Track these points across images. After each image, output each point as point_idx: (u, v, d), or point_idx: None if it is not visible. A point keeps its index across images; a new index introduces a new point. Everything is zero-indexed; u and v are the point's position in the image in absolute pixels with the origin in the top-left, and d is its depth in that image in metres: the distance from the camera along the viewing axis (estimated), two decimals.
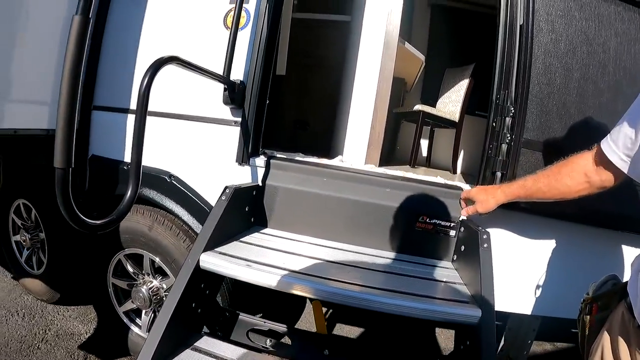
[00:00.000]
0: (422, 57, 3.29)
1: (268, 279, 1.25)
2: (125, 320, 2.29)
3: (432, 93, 4.32)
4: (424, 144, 4.26)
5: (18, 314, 2.69)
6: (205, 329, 1.42)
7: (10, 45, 1.88)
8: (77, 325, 2.63)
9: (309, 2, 3.20)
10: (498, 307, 1.54)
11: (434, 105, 3.95)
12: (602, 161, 1.04)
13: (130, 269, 2.14)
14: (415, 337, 2.88)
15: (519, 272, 1.61)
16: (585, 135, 1.37)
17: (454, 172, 3.77)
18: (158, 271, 2.09)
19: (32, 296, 2.85)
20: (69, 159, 1.02)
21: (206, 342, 1.28)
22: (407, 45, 3.02)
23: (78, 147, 1.68)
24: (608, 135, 1.02)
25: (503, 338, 2.12)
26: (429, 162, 4.25)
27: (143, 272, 2.11)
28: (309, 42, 3.08)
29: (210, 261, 1.31)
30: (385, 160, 2.90)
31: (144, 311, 2.18)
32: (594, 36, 1.50)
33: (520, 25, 1.55)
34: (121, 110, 2.05)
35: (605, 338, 0.96)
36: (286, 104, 3.10)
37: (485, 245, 1.26)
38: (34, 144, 2.29)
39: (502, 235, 1.60)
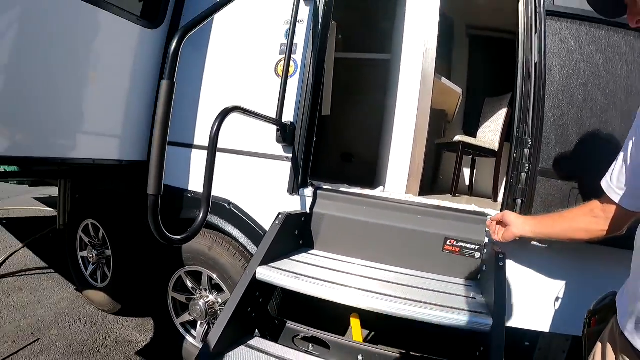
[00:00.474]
0: (459, 90, 3.57)
1: (313, 289, 1.56)
2: (182, 330, 2.64)
3: (473, 123, 4.54)
4: (467, 172, 4.48)
5: (80, 321, 3.12)
6: (257, 333, 1.72)
7: (87, 89, 2.33)
8: (134, 334, 3.02)
9: (352, 43, 3.57)
10: (522, 324, 1.76)
11: (475, 134, 4.17)
12: (604, 197, 1.27)
13: (189, 284, 2.50)
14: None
15: (542, 291, 1.82)
16: (597, 164, 1.60)
17: (495, 199, 3.95)
18: (214, 287, 2.44)
19: (94, 307, 3.29)
20: (159, 187, 1.38)
21: (258, 342, 1.60)
22: (443, 80, 3.32)
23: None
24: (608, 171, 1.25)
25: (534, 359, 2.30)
26: (471, 191, 4.44)
27: (201, 287, 2.46)
28: (354, 79, 3.43)
29: (265, 273, 1.63)
30: (427, 190, 3.14)
31: (199, 323, 2.53)
32: (605, 67, 1.72)
33: (535, 64, 1.81)
34: (185, 145, 2.46)
35: (598, 346, 1.18)
36: (333, 139, 3.43)
37: (501, 264, 1.50)
38: (104, 172, 2.73)
39: (527, 257, 1.83)
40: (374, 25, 3.60)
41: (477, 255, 1.77)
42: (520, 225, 1.57)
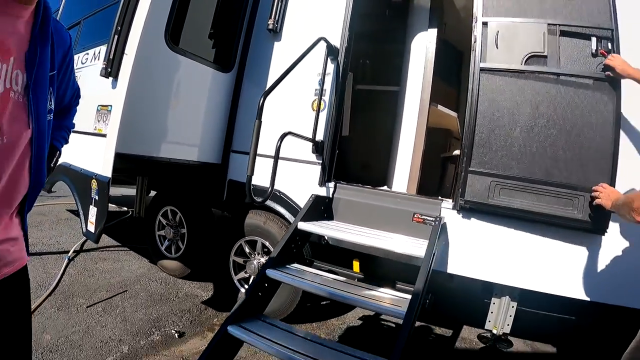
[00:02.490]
0: (454, 114, 5.02)
1: (331, 233, 3.04)
2: (238, 285, 4.13)
3: None
4: None
5: (157, 281, 4.64)
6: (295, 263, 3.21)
7: (185, 113, 3.90)
8: (199, 291, 4.53)
9: (369, 77, 5.09)
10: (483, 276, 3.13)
11: None
12: None
13: (247, 250, 4.00)
14: None
15: (496, 250, 3.13)
16: (506, 166, 2.94)
17: None
18: (265, 252, 3.94)
19: (166, 273, 4.84)
20: (252, 170, 2.87)
21: (296, 266, 3.09)
22: (439, 107, 4.77)
23: (221, 175, 3.71)
24: None
25: (490, 311, 3.67)
26: None
27: (255, 252, 3.96)
28: (372, 106, 4.92)
29: (303, 226, 3.07)
30: (432, 194, 4.26)
31: (252, 278, 4.02)
32: (511, 101, 3.00)
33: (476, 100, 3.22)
34: (247, 153, 3.97)
35: None
36: (354, 152, 4.90)
37: (437, 224, 2.94)
38: (185, 170, 4.26)
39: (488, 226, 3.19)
40: (388, 62, 5.06)
41: (432, 223, 3.20)
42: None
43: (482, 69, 3.08)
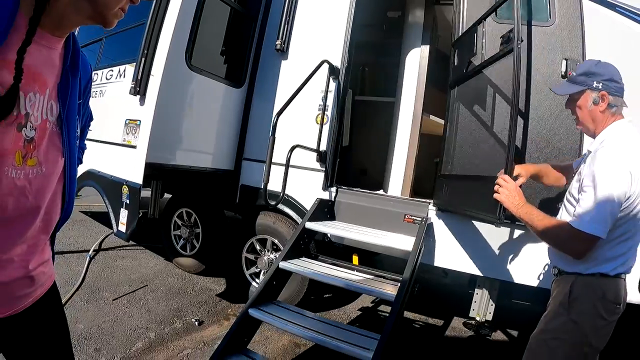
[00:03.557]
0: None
1: (334, 231, 3.68)
2: (249, 279, 4.76)
3: None
4: None
5: (173, 277, 5.25)
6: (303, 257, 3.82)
7: (201, 124, 4.53)
8: (213, 285, 5.14)
9: (367, 89, 5.73)
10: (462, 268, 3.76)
11: None
12: None
13: (258, 247, 4.62)
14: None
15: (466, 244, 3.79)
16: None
17: None
18: (275, 249, 4.56)
19: (181, 270, 5.46)
20: (267, 179, 3.51)
21: (304, 260, 3.71)
22: (431, 116, 5.39)
23: (234, 180, 4.37)
24: None
25: (473, 300, 4.29)
26: None
27: (266, 249, 4.59)
28: (368, 116, 5.55)
29: (310, 225, 3.68)
30: (427, 196, 4.69)
31: (262, 273, 4.63)
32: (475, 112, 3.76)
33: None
34: (258, 161, 4.62)
35: None
36: (354, 159, 5.52)
37: (423, 222, 3.57)
38: (202, 175, 4.87)
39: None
40: (385, 74, 5.68)
41: (420, 223, 3.82)
42: (528, 167, 2.66)
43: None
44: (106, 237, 6.56)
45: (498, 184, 2.46)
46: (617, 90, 2.21)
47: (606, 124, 2.23)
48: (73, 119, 1.29)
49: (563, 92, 2.36)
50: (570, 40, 3.27)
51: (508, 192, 2.38)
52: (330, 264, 3.79)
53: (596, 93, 2.21)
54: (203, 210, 5.16)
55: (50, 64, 1.18)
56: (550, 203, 3.13)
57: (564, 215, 2.28)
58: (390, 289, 3.19)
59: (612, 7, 3.27)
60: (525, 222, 2.26)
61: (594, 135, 2.28)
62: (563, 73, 3.29)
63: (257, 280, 4.72)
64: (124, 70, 4.56)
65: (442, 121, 5.59)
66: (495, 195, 2.44)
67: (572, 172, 2.51)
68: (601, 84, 2.20)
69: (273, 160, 3.75)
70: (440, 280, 4.53)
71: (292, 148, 3.76)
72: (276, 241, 4.49)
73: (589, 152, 2.23)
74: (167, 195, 5.62)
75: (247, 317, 3.15)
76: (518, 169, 2.65)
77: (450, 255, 3.71)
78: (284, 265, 3.44)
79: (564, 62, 3.31)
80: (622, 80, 2.22)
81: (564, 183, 2.66)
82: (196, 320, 4.20)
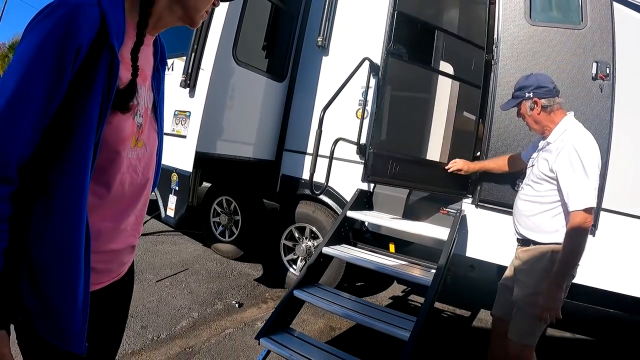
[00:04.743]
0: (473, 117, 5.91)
1: (372, 220, 4.00)
2: (287, 265, 5.09)
3: None
4: None
5: (213, 262, 5.62)
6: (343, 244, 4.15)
7: (247, 116, 4.88)
8: (251, 271, 5.50)
9: (407, 84, 6.00)
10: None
11: None
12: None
13: (296, 234, 4.96)
14: None
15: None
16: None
17: None
18: (312, 237, 4.90)
19: (220, 255, 5.83)
20: (314, 168, 3.82)
21: (345, 247, 4.04)
22: (465, 113, 5.65)
23: (275, 170, 4.73)
24: None
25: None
26: None
27: (304, 236, 4.93)
28: (407, 111, 5.84)
29: (351, 214, 4.01)
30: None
31: (299, 259, 4.97)
32: None
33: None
34: (298, 152, 4.95)
35: None
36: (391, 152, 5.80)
37: (458, 215, 3.84)
38: (244, 165, 5.22)
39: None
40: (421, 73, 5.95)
41: (455, 214, 4.10)
42: (470, 165, 3.78)
43: None
44: (145, 222, 6.98)
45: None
46: (546, 93, 2.76)
47: (555, 121, 2.78)
48: (162, 106, 1.51)
49: (507, 107, 3.02)
50: (601, 44, 3.49)
51: (550, 303, 2.57)
52: (369, 251, 4.10)
53: (530, 101, 2.81)
54: (243, 199, 5.52)
55: (147, 59, 1.38)
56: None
57: (530, 192, 2.83)
58: (426, 275, 3.50)
59: None
60: (570, 270, 2.59)
61: (543, 133, 2.84)
62: (593, 75, 3.54)
63: (294, 266, 5.06)
64: (172, 64, 4.91)
65: (471, 116, 5.90)
66: (548, 316, 2.59)
67: (522, 160, 3.23)
68: (531, 92, 2.79)
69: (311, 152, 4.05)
70: (468, 274, 4.79)
71: (336, 141, 4.06)
72: (314, 229, 4.82)
73: (548, 143, 2.75)
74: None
75: (292, 297, 3.48)
76: (460, 164, 3.88)
77: (481, 246, 4.00)
78: (326, 250, 3.77)
79: (594, 64, 3.55)
80: (552, 83, 2.79)
81: (512, 170, 3.46)
82: (236, 302, 4.54)
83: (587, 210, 2.46)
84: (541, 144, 2.85)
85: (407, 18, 4.10)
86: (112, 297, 1.44)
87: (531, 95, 2.79)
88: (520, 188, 2.99)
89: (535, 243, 2.77)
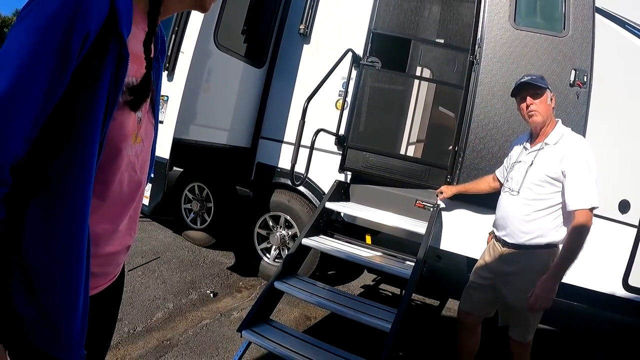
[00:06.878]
0: (452, 114, 6.09)
1: (350, 211, 4.14)
2: (260, 254, 5.19)
3: None
4: None
5: (184, 249, 5.66)
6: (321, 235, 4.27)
7: (234, 102, 4.92)
8: (223, 259, 5.56)
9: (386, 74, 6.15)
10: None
11: None
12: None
13: (270, 223, 5.04)
14: None
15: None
16: None
17: None
18: (287, 226, 5.00)
19: (191, 242, 5.86)
20: (295, 160, 3.94)
21: (321, 237, 4.17)
22: (440, 108, 5.84)
23: (250, 157, 4.82)
24: None
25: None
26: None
27: (278, 225, 5.02)
28: (384, 103, 6.00)
29: (329, 205, 4.14)
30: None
31: (273, 248, 5.05)
32: None
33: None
34: (275, 140, 5.03)
35: None
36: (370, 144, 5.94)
37: (435, 208, 4.03)
38: (219, 152, 5.24)
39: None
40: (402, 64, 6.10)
41: (430, 208, 4.28)
42: (452, 188, 3.91)
43: None
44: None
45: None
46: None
47: (553, 121, 2.92)
48: (159, 97, 1.43)
49: (538, 83, 2.84)
50: (580, 52, 3.69)
51: (545, 293, 2.69)
52: (346, 242, 4.24)
53: (551, 94, 2.90)
54: (216, 186, 5.57)
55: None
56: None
57: (529, 195, 2.85)
58: (403, 267, 3.69)
59: (622, 24, 3.72)
60: (570, 264, 2.69)
61: (536, 129, 2.93)
62: (571, 82, 3.72)
63: (268, 255, 5.17)
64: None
65: (449, 112, 6.11)
66: (541, 307, 2.73)
67: (499, 182, 3.35)
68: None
69: (292, 142, 4.13)
70: (434, 265, 4.99)
71: (317, 132, 4.17)
72: (289, 218, 4.93)
73: (546, 144, 2.83)
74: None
75: (273, 289, 3.58)
76: (442, 188, 3.97)
77: (454, 239, 4.22)
78: (306, 241, 3.89)
79: (572, 72, 3.73)
80: None
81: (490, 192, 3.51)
82: (211, 292, 4.60)
83: (592, 210, 2.62)
84: (538, 145, 2.90)
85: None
86: (105, 300, 1.39)
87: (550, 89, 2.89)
88: (511, 192, 2.97)
89: (532, 247, 2.83)
